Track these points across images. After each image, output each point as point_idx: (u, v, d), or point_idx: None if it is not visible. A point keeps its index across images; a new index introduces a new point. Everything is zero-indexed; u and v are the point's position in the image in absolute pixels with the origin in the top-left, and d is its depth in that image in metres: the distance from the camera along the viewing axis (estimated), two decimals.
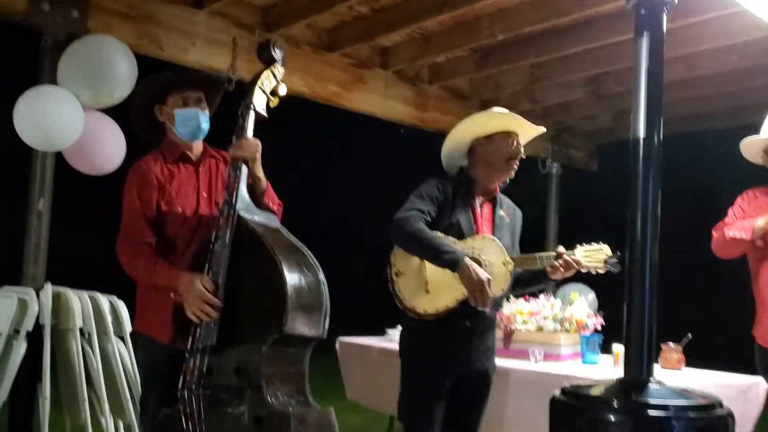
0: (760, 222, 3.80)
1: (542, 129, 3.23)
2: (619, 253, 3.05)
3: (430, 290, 3.04)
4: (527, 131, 3.19)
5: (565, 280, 4.42)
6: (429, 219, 3.04)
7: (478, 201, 3.21)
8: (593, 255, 3.11)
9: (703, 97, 5.60)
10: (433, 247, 2.97)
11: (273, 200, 3.00)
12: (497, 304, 3.24)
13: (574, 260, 3.06)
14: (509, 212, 3.30)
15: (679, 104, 5.61)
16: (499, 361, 3.98)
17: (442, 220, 3.09)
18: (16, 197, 4.00)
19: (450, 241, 3.04)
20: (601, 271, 3.12)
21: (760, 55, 4.66)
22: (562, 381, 2.16)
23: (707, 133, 6.52)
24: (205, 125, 3.01)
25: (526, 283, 3.30)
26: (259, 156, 2.88)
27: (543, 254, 3.13)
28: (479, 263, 3.00)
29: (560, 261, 3.06)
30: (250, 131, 2.89)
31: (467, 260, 2.92)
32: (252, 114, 2.90)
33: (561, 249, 3.10)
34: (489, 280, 2.92)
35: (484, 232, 3.15)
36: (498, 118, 3.18)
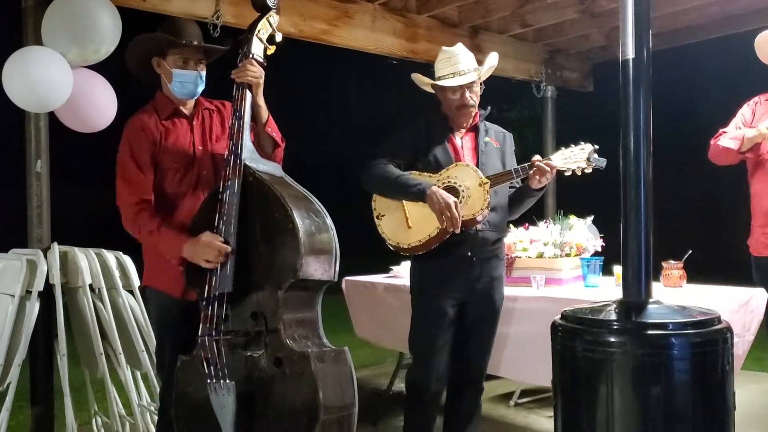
0: (748, 133, 3.81)
1: (491, 62, 3.25)
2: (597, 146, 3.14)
3: (411, 225, 3.17)
4: (471, 77, 3.19)
5: (566, 207, 4.46)
6: (399, 162, 3.22)
7: (458, 134, 3.30)
8: (573, 156, 3.18)
9: (694, 8, 5.50)
10: (399, 185, 3.16)
11: (276, 131, 2.99)
12: (497, 228, 3.27)
13: (548, 164, 3.14)
14: (498, 137, 3.37)
15: (671, 17, 5.53)
16: None
17: (420, 158, 3.23)
18: (16, 160, 3.99)
19: (425, 176, 3.18)
20: (587, 170, 3.20)
21: None
22: (564, 305, 2.20)
23: (700, 45, 6.41)
24: (201, 87, 2.99)
25: (516, 201, 3.36)
26: (262, 82, 2.88)
27: (518, 166, 3.21)
28: (456, 190, 3.11)
29: (534, 169, 3.14)
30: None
31: (432, 188, 3.08)
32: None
33: (536, 157, 3.17)
34: (456, 203, 3.05)
35: (466, 161, 3.22)
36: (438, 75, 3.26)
